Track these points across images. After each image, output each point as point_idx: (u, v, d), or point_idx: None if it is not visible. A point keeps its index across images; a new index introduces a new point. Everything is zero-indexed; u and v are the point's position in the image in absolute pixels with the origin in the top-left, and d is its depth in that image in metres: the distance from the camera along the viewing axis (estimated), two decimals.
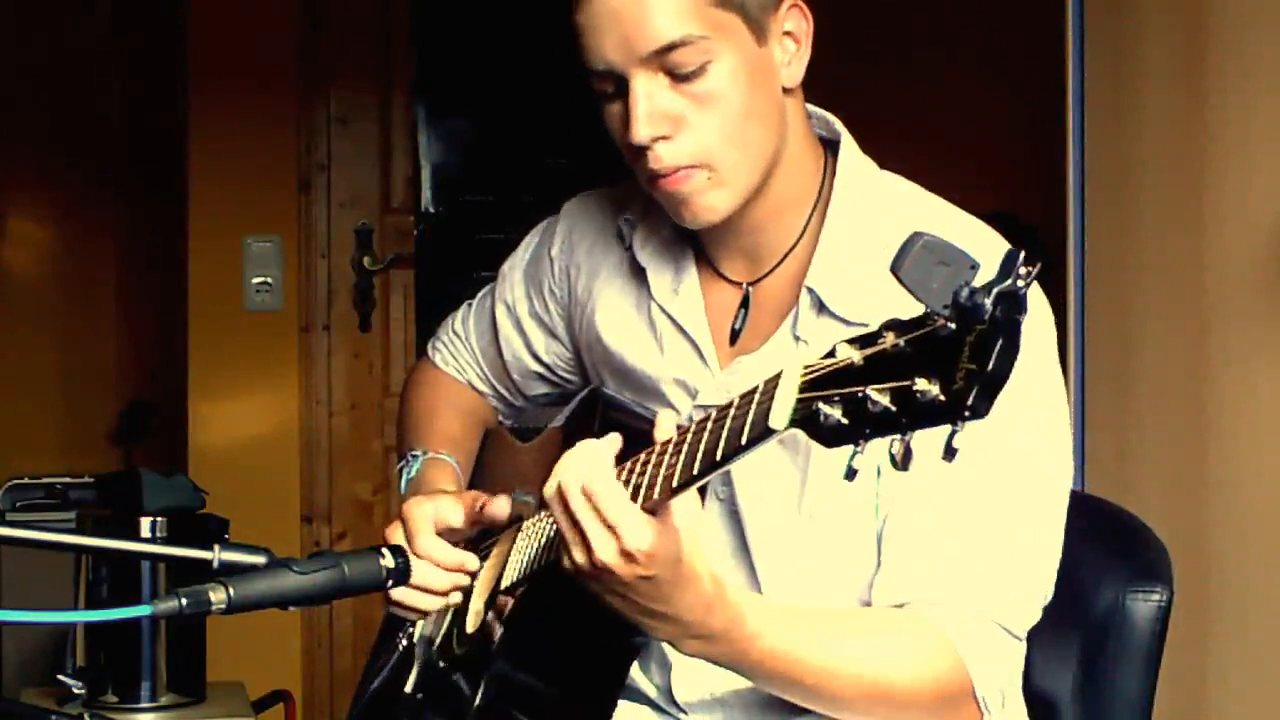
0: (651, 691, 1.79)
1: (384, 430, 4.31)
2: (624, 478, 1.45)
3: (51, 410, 4.41)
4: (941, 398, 1.11)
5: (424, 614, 1.76)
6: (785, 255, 1.72)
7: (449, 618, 1.84)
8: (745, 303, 1.75)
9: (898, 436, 1.15)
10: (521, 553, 1.71)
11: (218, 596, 1.32)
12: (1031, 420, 1.58)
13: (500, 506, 1.75)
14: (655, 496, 1.41)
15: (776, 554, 1.69)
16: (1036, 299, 1.62)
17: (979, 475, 1.56)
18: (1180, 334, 2.71)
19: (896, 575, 1.62)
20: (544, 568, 1.64)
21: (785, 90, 1.68)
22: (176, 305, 4.20)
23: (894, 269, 1.14)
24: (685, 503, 1.44)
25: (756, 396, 1.29)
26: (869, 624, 1.62)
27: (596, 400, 1.82)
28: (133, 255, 4.44)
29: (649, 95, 1.62)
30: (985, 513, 1.59)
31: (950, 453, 1.12)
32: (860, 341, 1.18)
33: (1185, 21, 2.70)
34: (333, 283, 4.36)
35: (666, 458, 1.41)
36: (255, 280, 4.19)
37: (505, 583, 1.73)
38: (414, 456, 1.96)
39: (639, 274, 1.82)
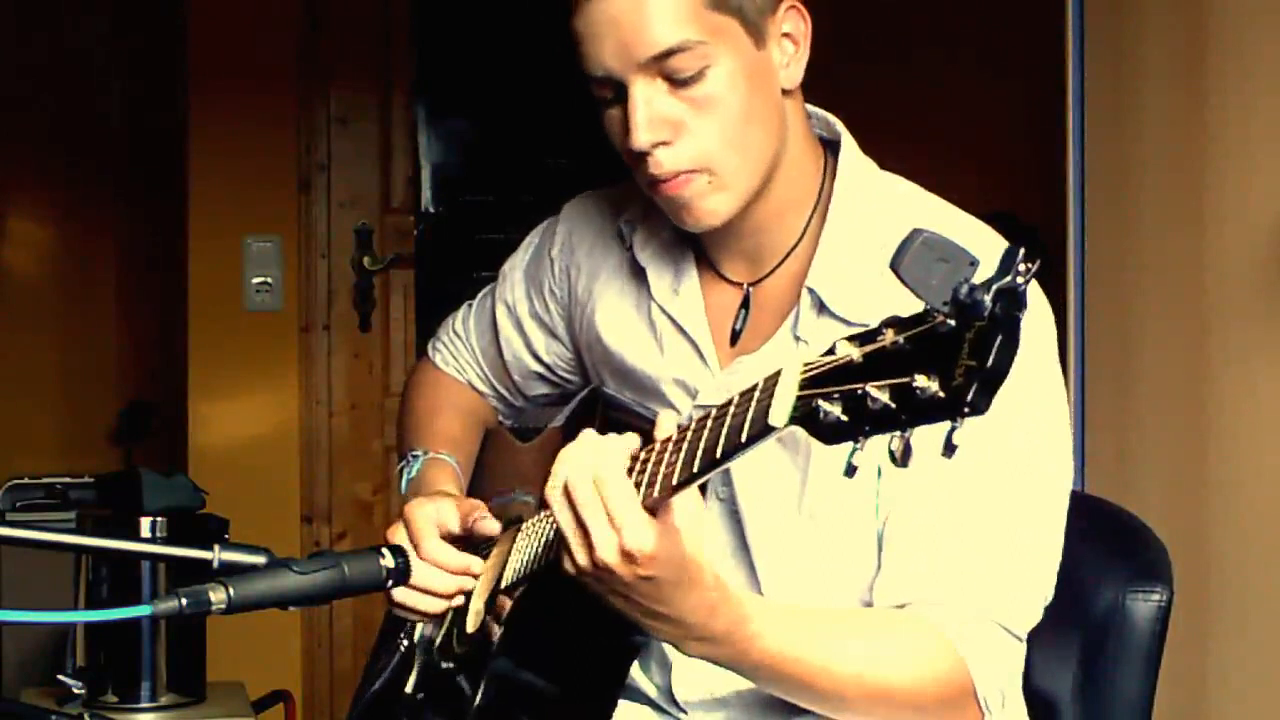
0: (652, 691, 1.79)
1: (384, 430, 4.31)
2: None
3: (51, 410, 4.41)
4: (941, 394, 1.11)
5: (426, 616, 1.76)
6: (786, 256, 1.72)
7: (449, 618, 1.84)
8: (745, 303, 1.75)
9: (897, 433, 1.15)
10: (521, 553, 1.71)
11: (218, 596, 1.32)
12: (1032, 420, 1.58)
13: (489, 526, 1.74)
14: (655, 495, 1.41)
15: (776, 554, 1.69)
16: (1036, 298, 1.62)
17: (980, 475, 1.56)
18: (1180, 334, 2.71)
19: (897, 575, 1.62)
20: (544, 568, 1.64)
21: (784, 92, 1.68)
22: (176, 305, 4.20)
23: (893, 266, 1.14)
24: (687, 503, 1.43)
25: (756, 394, 1.29)
26: (869, 625, 1.62)
27: (597, 400, 1.82)
28: (133, 255, 4.44)
29: (648, 101, 1.62)
30: (986, 513, 1.59)
31: (950, 449, 1.12)
32: (860, 339, 1.18)
33: (1185, 21, 2.70)
34: (333, 283, 4.36)
35: (666, 456, 1.41)
36: (255, 280, 4.19)
37: (505, 583, 1.73)
38: (414, 456, 1.96)
39: (639, 275, 1.82)
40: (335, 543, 4.28)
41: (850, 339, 1.19)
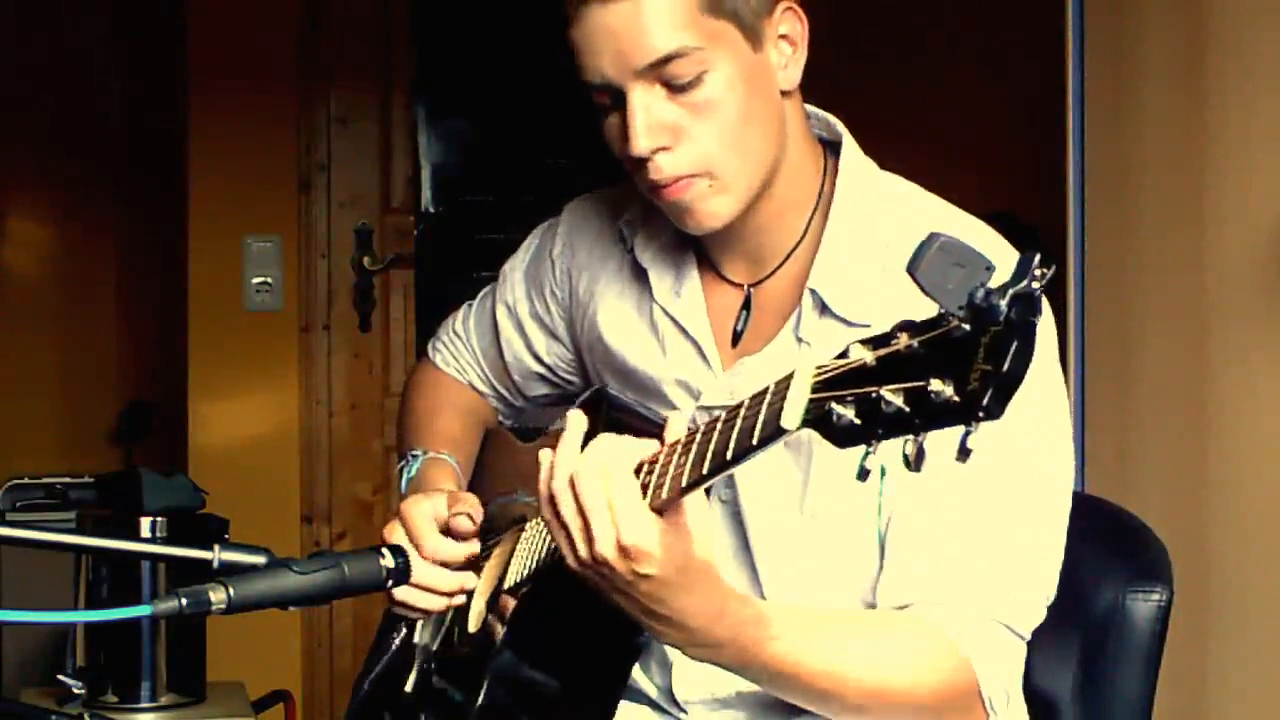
0: (652, 691, 1.79)
1: (384, 430, 4.31)
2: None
3: (51, 410, 4.41)
4: (956, 399, 1.11)
5: (428, 614, 1.76)
6: (787, 257, 1.72)
7: (450, 618, 1.84)
8: (747, 304, 1.75)
9: (910, 437, 1.15)
10: (524, 553, 1.71)
11: (218, 596, 1.32)
12: (1033, 421, 1.58)
13: (463, 524, 1.73)
14: (664, 496, 1.41)
15: (778, 554, 1.69)
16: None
17: (982, 476, 1.56)
18: (1180, 334, 2.71)
19: (900, 576, 1.62)
20: (547, 568, 1.64)
21: (783, 93, 1.68)
22: (176, 305, 4.20)
23: (910, 269, 1.14)
24: (698, 506, 1.44)
25: (768, 397, 1.29)
26: (871, 627, 1.62)
27: (600, 400, 1.82)
28: (133, 255, 4.44)
29: (647, 108, 1.62)
30: (988, 513, 1.59)
31: (964, 454, 1.12)
32: (873, 342, 1.18)
33: (1185, 21, 2.70)
34: (333, 283, 4.36)
35: (675, 457, 1.41)
36: (255, 280, 4.19)
37: (508, 583, 1.73)
38: (414, 456, 1.96)
39: (640, 276, 1.82)
40: (335, 543, 4.28)
41: (863, 342, 1.19)
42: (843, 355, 1.20)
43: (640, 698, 1.80)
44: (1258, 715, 2.52)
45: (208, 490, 3.10)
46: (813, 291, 1.67)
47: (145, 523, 2.97)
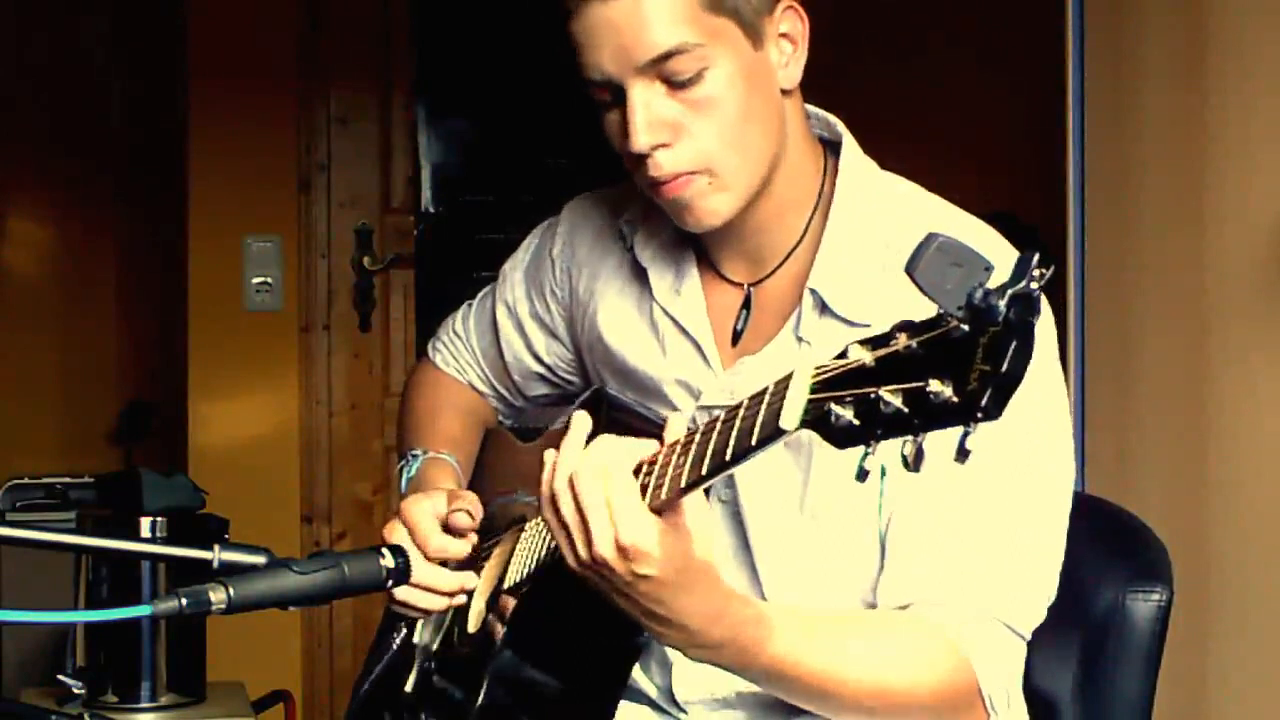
0: (652, 691, 1.79)
1: (384, 430, 4.31)
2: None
3: (51, 410, 4.41)
4: (955, 399, 1.11)
5: (428, 614, 1.76)
6: (787, 256, 1.72)
7: (450, 618, 1.84)
8: (747, 303, 1.75)
9: (909, 438, 1.15)
10: (524, 553, 1.71)
11: (218, 596, 1.32)
12: (1034, 421, 1.58)
13: (461, 520, 1.73)
14: (663, 496, 1.41)
15: (778, 554, 1.69)
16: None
17: (983, 476, 1.55)
18: (1180, 334, 2.71)
19: (900, 576, 1.62)
20: (547, 568, 1.64)
21: (784, 92, 1.68)
22: (176, 305, 4.20)
23: (908, 269, 1.14)
24: (697, 507, 1.44)
25: (767, 397, 1.29)
26: (871, 627, 1.62)
27: (600, 400, 1.82)
28: (133, 255, 4.44)
29: (647, 104, 1.62)
30: (989, 513, 1.59)
31: (963, 455, 1.12)
32: (872, 343, 1.18)
33: (1185, 21, 2.70)
34: (333, 283, 4.36)
35: (675, 458, 1.41)
36: (255, 280, 4.19)
37: (508, 583, 1.73)
38: (414, 456, 1.96)
39: (640, 275, 1.82)
40: (335, 543, 4.28)
41: (862, 343, 1.19)
42: (841, 355, 1.20)
43: (640, 698, 1.80)
44: (1258, 715, 2.52)
45: (208, 490, 3.10)
46: (813, 291, 1.67)
47: (145, 523, 2.97)
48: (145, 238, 4.41)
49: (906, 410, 1.14)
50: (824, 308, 1.66)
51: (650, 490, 1.42)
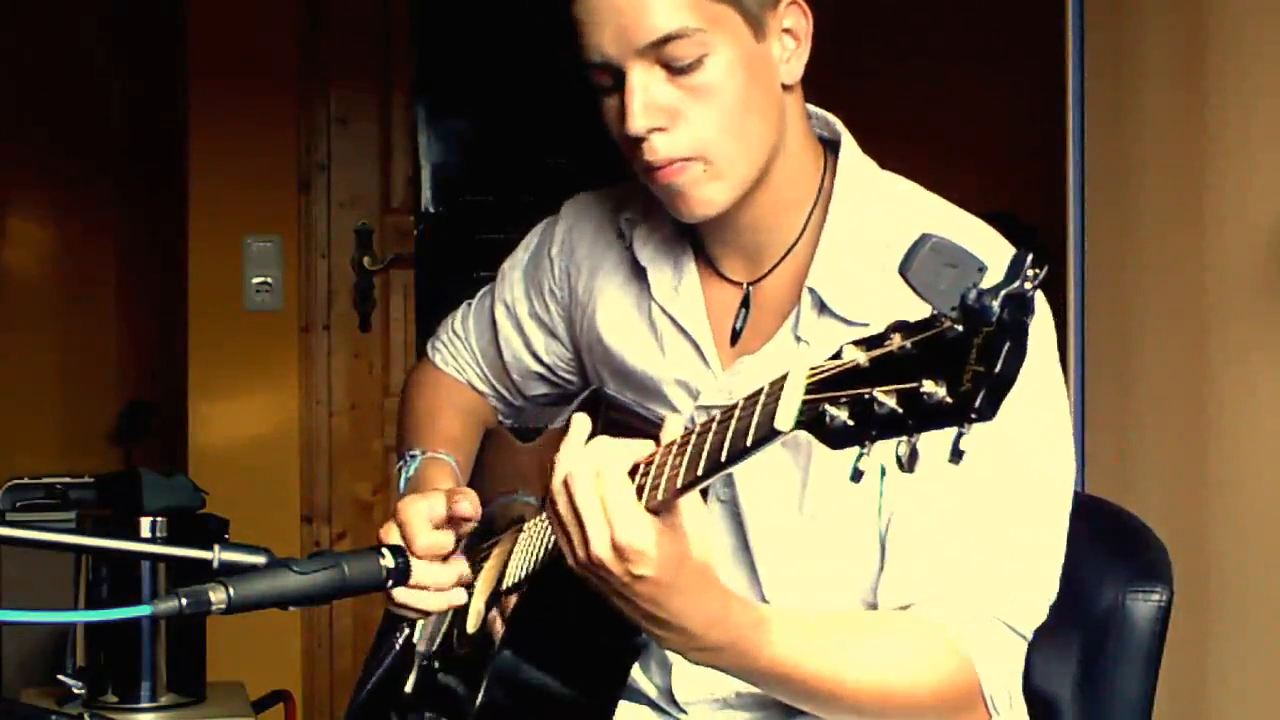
0: (652, 692, 1.79)
1: (384, 430, 4.31)
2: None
3: (51, 410, 4.41)
4: (948, 400, 1.11)
5: (428, 614, 1.76)
6: (785, 255, 1.72)
7: (450, 618, 1.84)
8: (746, 302, 1.75)
9: (904, 438, 1.15)
10: (523, 553, 1.71)
11: (218, 596, 1.32)
12: (1033, 420, 1.58)
13: (464, 508, 1.73)
14: (659, 497, 1.41)
15: (778, 554, 1.68)
16: (1036, 300, 1.62)
17: (983, 476, 1.56)
18: (1180, 334, 2.71)
19: (901, 576, 1.62)
20: (546, 568, 1.64)
21: (785, 87, 1.68)
22: (176, 305, 4.20)
23: (902, 270, 1.14)
24: (694, 508, 1.44)
25: (762, 398, 1.29)
26: (872, 628, 1.62)
27: (599, 401, 1.82)
28: (133, 255, 4.44)
29: (645, 87, 1.62)
30: (989, 513, 1.59)
31: (957, 455, 1.12)
32: (867, 343, 1.18)
33: (1185, 21, 2.70)
34: (333, 283, 4.36)
35: (671, 459, 1.41)
36: (255, 280, 4.19)
37: (507, 583, 1.73)
38: (413, 456, 1.96)
39: (639, 273, 1.82)
40: (335, 543, 4.28)
41: (857, 343, 1.19)
42: (836, 356, 1.20)
43: (640, 698, 1.80)
44: (1258, 715, 2.52)
45: (208, 490, 3.10)
46: (811, 290, 1.67)
47: (145, 523, 2.97)
48: (145, 238, 4.41)
49: (900, 411, 1.14)
50: (823, 307, 1.66)
51: (647, 491, 1.42)
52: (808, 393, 1.22)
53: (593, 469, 1.43)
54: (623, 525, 1.41)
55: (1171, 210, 2.74)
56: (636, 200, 1.82)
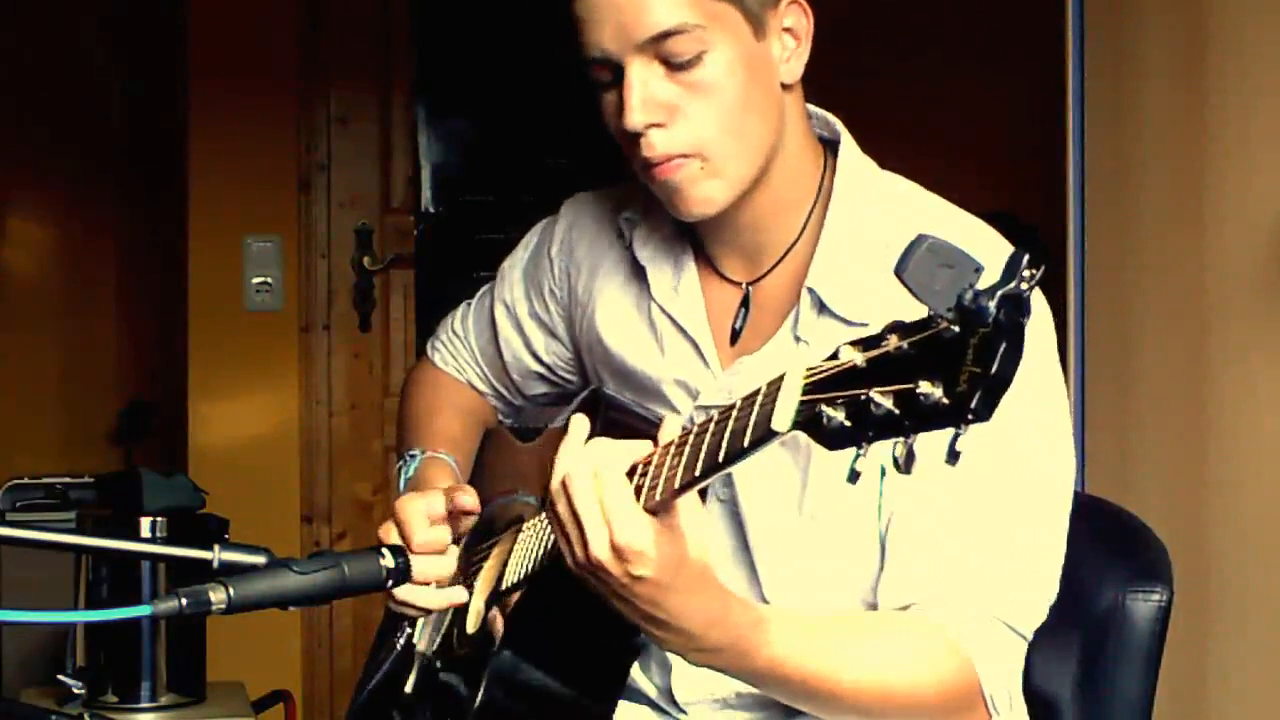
0: (652, 692, 1.79)
1: (384, 430, 4.31)
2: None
3: (51, 410, 4.41)
4: (945, 400, 1.11)
5: (428, 612, 1.76)
6: (785, 254, 1.72)
7: (449, 618, 1.84)
8: (745, 302, 1.75)
9: (901, 439, 1.15)
10: (523, 553, 1.71)
11: (218, 596, 1.32)
12: (1033, 420, 1.58)
13: (465, 501, 1.73)
14: (658, 498, 1.41)
15: (777, 555, 1.68)
16: (1036, 300, 1.62)
17: (983, 476, 1.56)
18: (1180, 334, 2.71)
19: (901, 576, 1.62)
20: (546, 568, 1.64)
21: (784, 87, 1.68)
22: (176, 305, 4.20)
23: (898, 271, 1.14)
24: (692, 508, 1.43)
25: (759, 399, 1.29)
26: (872, 628, 1.62)
27: (598, 401, 1.82)
28: (133, 255, 4.44)
29: (644, 82, 1.62)
30: (989, 513, 1.59)
31: (953, 456, 1.12)
32: (863, 344, 1.18)
33: (1185, 21, 2.70)
34: (333, 283, 4.36)
35: (669, 459, 1.41)
36: (255, 280, 4.19)
37: (506, 583, 1.73)
38: (412, 456, 1.96)
39: (639, 273, 1.82)
40: (335, 543, 4.28)
41: (853, 344, 1.18)
42: (833, 357, 1.20)
43: (640, 698, 1.80)
44: (1258, 715, 2.52)
45: (208, 490, 3.10)
46: (811, 290, 1.67)
47: (145, 523, 2.98)
48: (145, 238, 4.41)
49: (897, 412, 1.14)
50: (822, 307, 1.66)
51: (645, 491, 1.42)
52: (804, 393, 1.22)
53: (591, 470, 1.43)
54: (621, 526, 1.41)
55: (1171, 210, 2.74)
56: (636, 200, 1.82)
